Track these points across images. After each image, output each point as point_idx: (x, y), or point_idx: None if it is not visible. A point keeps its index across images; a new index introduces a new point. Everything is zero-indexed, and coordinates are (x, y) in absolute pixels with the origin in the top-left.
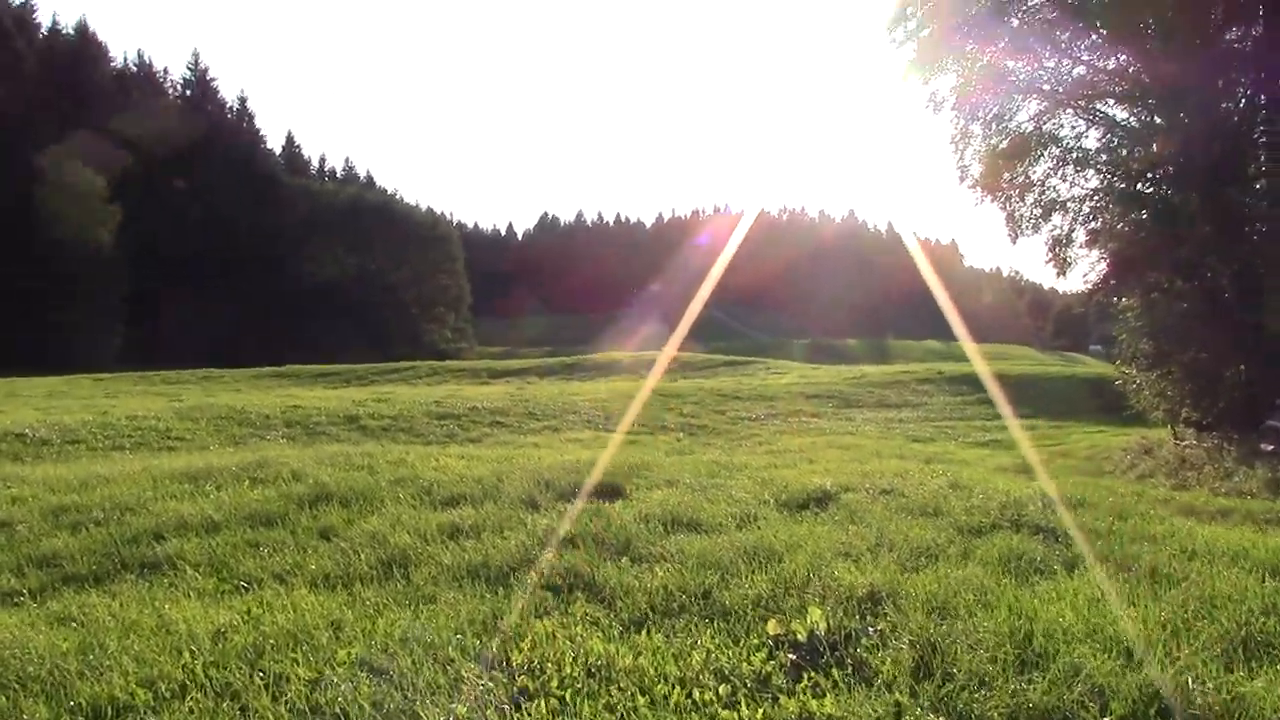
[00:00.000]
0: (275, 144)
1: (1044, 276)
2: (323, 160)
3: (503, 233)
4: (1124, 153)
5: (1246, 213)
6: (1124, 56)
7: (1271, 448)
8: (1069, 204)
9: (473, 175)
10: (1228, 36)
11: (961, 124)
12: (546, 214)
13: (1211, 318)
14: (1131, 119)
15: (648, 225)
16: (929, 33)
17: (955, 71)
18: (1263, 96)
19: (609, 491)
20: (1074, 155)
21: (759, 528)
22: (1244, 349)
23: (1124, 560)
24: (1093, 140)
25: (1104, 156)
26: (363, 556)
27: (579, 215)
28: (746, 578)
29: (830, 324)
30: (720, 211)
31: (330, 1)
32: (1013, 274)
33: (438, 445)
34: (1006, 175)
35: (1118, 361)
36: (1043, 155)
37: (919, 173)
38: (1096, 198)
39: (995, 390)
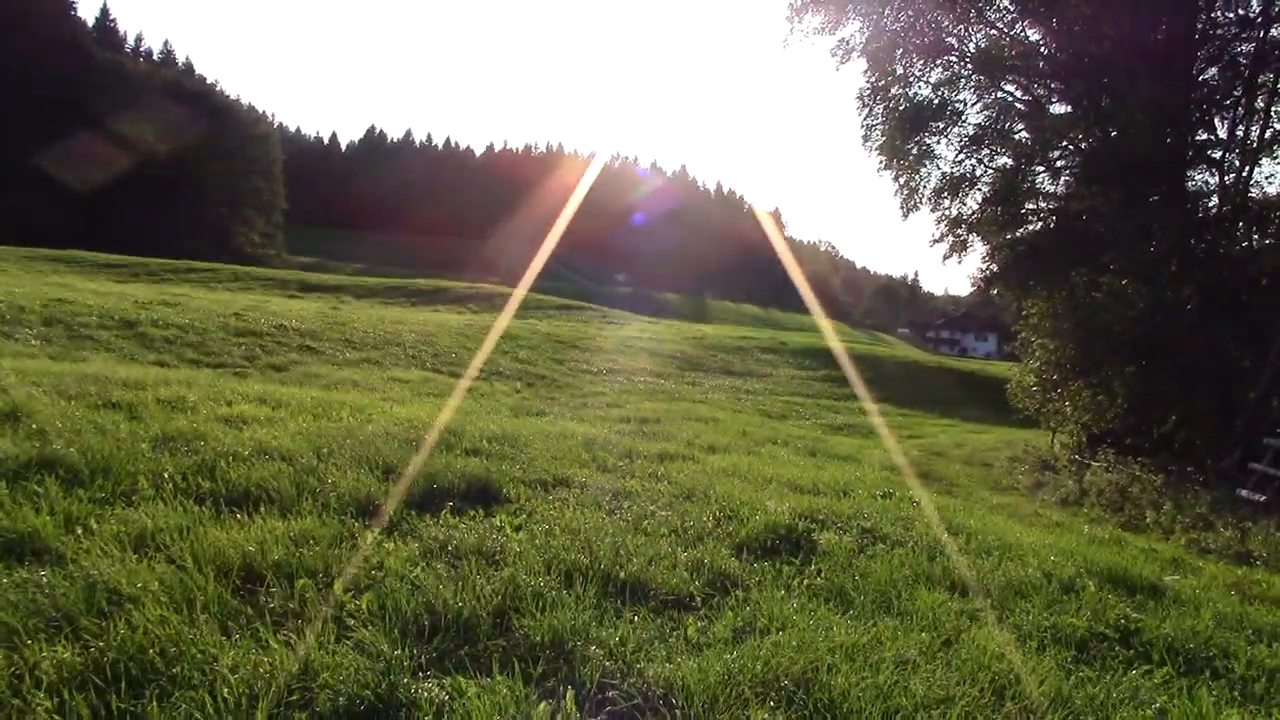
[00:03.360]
0: (88, 13)
1: (859, 254)
2: (139, 39)
3: (325, 141)
4: (1048, 136)
5: (1215, 216)
6: (1038, 31)
7: (1263, 497)
8: (978, 183)
9: (300, 78)
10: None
11: (873, 78)
12: (374, 128)
13: (1169, 331)
14: (1071, 102)
15: (478, 153)
16: None
17: (864, 16)
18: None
19: (480, 492)
20: (988, 133)
21: (750, 607)
22: (1209, 374)
23: None
24: (1007, 119)
25: (1021, 137)
26: (66, 662)
27: (408, 134)
28: None
29: (652, 276)
30: (553, 150)
31: None
32: (829, 248)
33: (233, 372)
34: (907, 143)
35: (1025, 361)
36: (951, 127)
37: (752, 137)
38: (1012, 179)
39: (852, 371)
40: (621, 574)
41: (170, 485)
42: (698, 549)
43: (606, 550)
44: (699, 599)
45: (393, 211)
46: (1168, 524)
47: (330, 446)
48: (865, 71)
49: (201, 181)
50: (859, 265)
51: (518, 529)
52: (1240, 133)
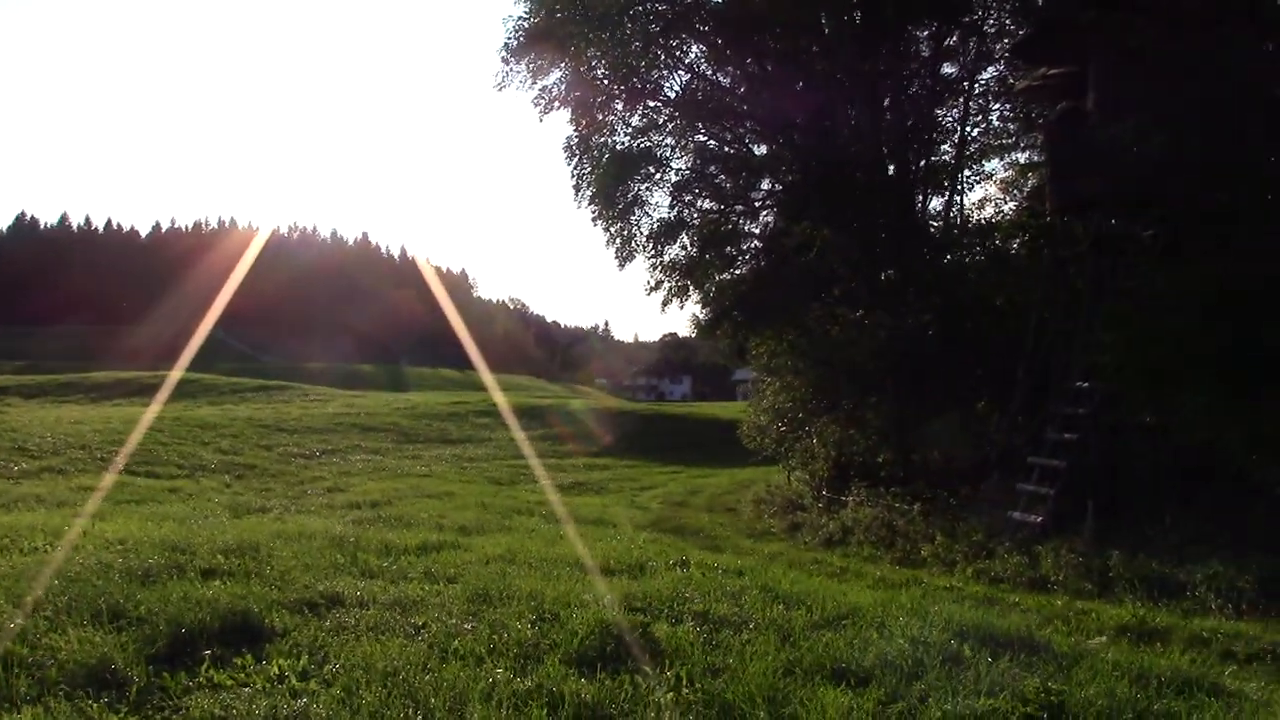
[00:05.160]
0: None
1: (548, 310)
2: None
3: None
4: (754, 175)
5: (937, 242)
6: (728, 77)
7: (1038, 518)
8: (689, 227)
9: None
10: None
11: (580, 127)
12: (24, 214)
13: (913, 359)
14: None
15: (144, 234)
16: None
17: (568, 60)
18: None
19: (239, 628)
20: (692, 178)
21: None
22: (958, 398)
23: None
24: (708, 162)
25: (722, 180)
26: None
27: (64, 219)
28: None
29: (342, 349)
30: (226, 226)
31: None
32: (520, 306)
33: None
34: (616, 192)
35: (756, 401)
36: (659, 174)
37: (434, 198)
38: (718, 222)
39: (561, 428)
40: None
41: None
42: (534, 673)
43: (436, 699)
44: None
45: (57, 302)
46: (946, 555)
47: (35, 593)
48: (571, 120)
49: None
50: (549, 319)
51: (305, 677)
52: (931, 162)
